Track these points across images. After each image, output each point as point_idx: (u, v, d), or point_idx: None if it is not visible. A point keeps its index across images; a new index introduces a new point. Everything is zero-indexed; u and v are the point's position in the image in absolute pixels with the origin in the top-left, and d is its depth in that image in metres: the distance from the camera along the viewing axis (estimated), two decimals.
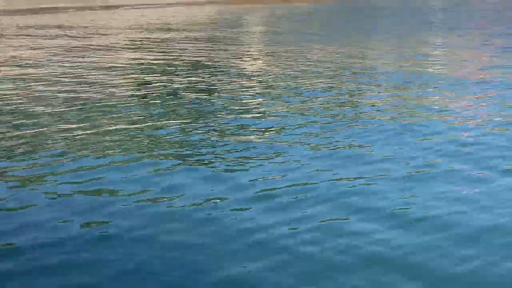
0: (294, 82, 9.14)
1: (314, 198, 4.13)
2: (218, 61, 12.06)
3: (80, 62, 12.07)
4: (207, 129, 6.39)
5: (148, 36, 16.88)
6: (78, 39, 16.29)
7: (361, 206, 3.91)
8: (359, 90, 8.42)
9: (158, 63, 11.88)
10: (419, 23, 20.20)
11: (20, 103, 8.09)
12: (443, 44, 14.66)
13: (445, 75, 9.64)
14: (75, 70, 10.90)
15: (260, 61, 12.36)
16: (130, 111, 7.34)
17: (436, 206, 3.81)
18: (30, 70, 11.00)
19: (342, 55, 12.19)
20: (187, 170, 5.00)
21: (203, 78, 9.85)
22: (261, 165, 5.03)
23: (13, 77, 10.40)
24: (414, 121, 6.41)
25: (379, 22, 21.53)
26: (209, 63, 11.69)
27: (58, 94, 8.80)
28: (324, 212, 3.84)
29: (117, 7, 30.17)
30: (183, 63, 11.90)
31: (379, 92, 8.24)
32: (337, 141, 5.68)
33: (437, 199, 3.93)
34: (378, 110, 7.09)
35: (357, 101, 7.67)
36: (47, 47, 14.44)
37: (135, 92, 9.31)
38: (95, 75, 10.46)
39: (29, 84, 9.53)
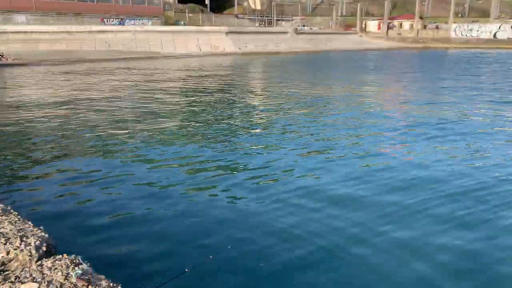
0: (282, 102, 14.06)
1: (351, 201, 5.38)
2: (235, 88, 17.79)
3: (147, 87, 17.98)
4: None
5: (191, 73, 24.86)
6: (147, 75, 23.51)
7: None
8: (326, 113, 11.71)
9: (197, 87, 18.17)
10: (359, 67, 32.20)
11: (112, 114, 11.50)
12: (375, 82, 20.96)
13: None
14: (144, 92, 16.41)
15: (259, 89, 18.81)
16: (179, 116, 10.94)
17: None
18: (116, 93, 16.04)
19: (311, 89, 17.65)
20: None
21: (226, 97, 14.95)
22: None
23: (106, 97, 15.00)
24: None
25: (334, 67, 33.97)
26: (229, 89, 17.27)
27: (135, 106, 12.78)
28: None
29: (172, 57, 40.84)
30: (212, 88, 17.86)
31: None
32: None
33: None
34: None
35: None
36: (125, 80, 20.78)
37: (183, 104, 13.79)
38: (157, 95, 15.42)
39: (117, 102, 13.69)
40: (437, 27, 71.07)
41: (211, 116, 11.52)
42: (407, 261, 4.10)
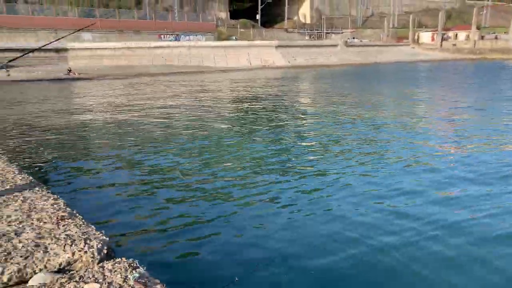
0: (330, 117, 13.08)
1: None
2: (285, 99, 18.45)
3: (198, 96, 19.70)
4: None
5: (242, 86, 25.47)
6: (200, 87, 24.83)
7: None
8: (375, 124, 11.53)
9: (245, 96, 19.62)
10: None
11: (169, 123, 12.25)
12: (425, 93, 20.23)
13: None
14: (195, 100, 18.05)
15: (307, 101, 19.19)
16: (232, 126, 11.26)
17: None
18: (172, 103, 17.35)
19: (361, 100, 17.62)
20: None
21: (275, 107, 15.46)
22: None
23: (162, 106, 16.30)
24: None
25: (385, 79, 33.34)
26: (278, 100, 17.93)
27: (189, 115, 13.72)
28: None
29: (223, 70, 41.95)
30: (262, 98, 18.90)
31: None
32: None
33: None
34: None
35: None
36: (180, 92, 22.09)
37: (231, 111, 14.91)
38: (207, 103, 16.90)
39: (172, 112, 14.75)
40: (496, 37, 67.22)
41: (261, 126, 11.68)
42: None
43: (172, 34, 53.46)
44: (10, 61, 4.40)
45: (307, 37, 71.95)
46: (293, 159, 8.35)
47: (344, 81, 29.92)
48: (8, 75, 30.82)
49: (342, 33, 75.69)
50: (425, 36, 73.79)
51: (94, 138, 10.62)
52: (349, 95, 19.78)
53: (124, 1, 55.75)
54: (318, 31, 74.96)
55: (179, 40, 51.96)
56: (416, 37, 73.76)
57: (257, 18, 69.79)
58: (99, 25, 48.54)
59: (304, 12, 78.54)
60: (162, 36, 52.44)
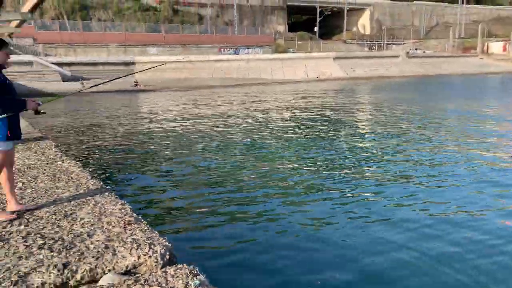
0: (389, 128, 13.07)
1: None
2: (342, 111, 18.32)
3: (256, 107, 20.44)
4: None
5: (298, 98, 25.69)
6: (257, 97, 26.03)
7: None
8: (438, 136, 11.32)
9: (302, 107, 20.06)
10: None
11: (229, 132, 12.78)
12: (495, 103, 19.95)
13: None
14: (253, 111, 18.58)
15: (366, 112, 19.10)
16: (289, 139, 11.45)
17: None
18: (228, 112, 18.40)
19: (427, 110, 17.68)
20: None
21: (332, 119, 15.49)
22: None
23: (223, 115, 17.35)
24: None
25: (448, 91, 31.45)
26: (334, 112, 17.74)
27: (247, 122, 14.66)
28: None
29: (280, 82, 42.51)
30: (318, 110, 19.06)
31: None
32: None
33: None
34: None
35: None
36: (238, 102, 23.15)
37: (288, 121, 15.38)
38: (264, 114, 17.55)
39: (232, 119, 15.73)
40: None
41: (318, 137, 11.57)
42: None
43: (231, 48, 54.95)
44: (114, 79, 4.72)
45: (366, 49, 70.51)
46: (351, 170, 8.16)
47: (405, 93, 28.85)
48: (83, 87, 33.41)
49: (403, 44, 73.24)
50: (496, 46, 69.10)
51: (159, 146, 11.15)
52: (409, 108, 19.01)
53: (187, 17, 58.38)
54: (378, 42, 73.18)
55: (238, 54, 53.25)
56: (485, 47, 69.31)
57: (315, 30, 69.70)
58: (163, 40, 51.19)
59: (364, 23, 77.16)
60: (222, 49, 54.08)
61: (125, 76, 5.91)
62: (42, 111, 3.83)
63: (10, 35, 30.30)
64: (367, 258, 4.47)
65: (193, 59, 46.90)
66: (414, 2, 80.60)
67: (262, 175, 7.89)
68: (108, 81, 5.05)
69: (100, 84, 5.03)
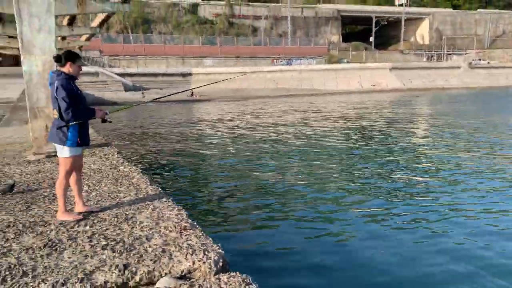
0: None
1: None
2: (397, 124, 17.88)
3: (308, 117, 20.59)
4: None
5: (351, 109, 25.48)
6: (310, 108, 26.11)
7: None
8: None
9: (355, 118, 19.83)
10: None
11: (280, 142, 13.10)
12: None
13: None
14: (305, 121, 18.96)
15: (423, 125, 18.67)
16: (340, 151, 11.29)
17: None
18: (280, 121, 18.86)
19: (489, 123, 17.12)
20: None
21: (386, 132, 14.99)
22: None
23: (275, 124, 17.83)
24: None
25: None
26: (389, 125, 17.43)
27: (299, 132, 14.83)
28: None
29: (333, 93, 42.17)
30: (372, 122, 18.47)
31: None
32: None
33: None
34: None
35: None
36: (290, 112, 23.32)
37: (339, 131, 15.52)
38: (316, 124, 17.87)
39: (284, 128, 16.11)
40: None
41: (371, 149, 11.27)
42: None
43: (284, 59, 55.26)
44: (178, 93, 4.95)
45: (424, 59, 67.71)
46: (405, 184, 7.84)
47: (466, 105, 27.28)
48: (143, 97, 35.19)
49: (465, 54, 69.47)
50: None
51: (214, 154, 11.46)
52: (471, 121, 17.93)
53: (242, 29, 59.68)
54: (437, 52, 70.04)
55: (291, 64, 53.40)
56: None
57: (371, 40, 68.22)
58: (219, 52, 52.66)
59: (422, 33, 74.30)
60: (275, 60, 54.52)
61: (189, 89, 6.13)
62: (108, 120, 4.08)
63: (80, 48, 32.66)
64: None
65: (246, 70, 47.68)
66: (478, 10, 76.40)
67: (316, 184, 7.85)
68: (171, 94, 5.27)
69: (164, 96, 5.29)
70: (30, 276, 2.78)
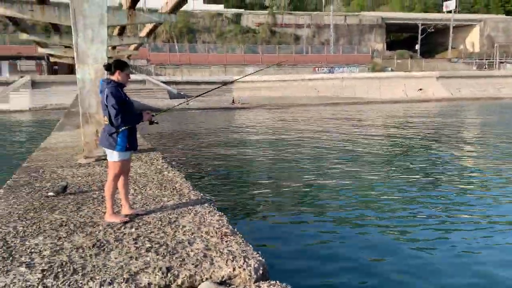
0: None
1: None
2: (443, 136, 16.62)
3: (349, 126, 20.11)
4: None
5: (396, 119, 24.54)
6: (351, 116, 25.05)
7: None
8: None
9: (399, 128, 18.95)
10: None
11: (320, 151, 12.93)
12: None
13: None
14: (346, 129, 18.53)
15: (471, 138, 17.28)
16: (383, 164, 10.77)
17: None
18: (321, 130, 18.64)
19: None
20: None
21: (433, 146, 13.93)
22: None
23: (313, 134, 17.19)
24: None
25: None
26: (436, 138, 16.03)
27: (339, 146, 13.94)
28: None
29: (376, 102, 41.26)
30: (418, 135, 17.42)
31: None
32: None
33: None
34: None
35: None
36: (331, 122, 22.88)
37: (382, 141, 14.87)
38: (357, 133, 17.43)
39: (325, 136, 15.98)
40: None
41: (415, 163, 10.87)
42: None
43: (326, 67, 54.80)
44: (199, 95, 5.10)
45: (474, 67, 64.64)
46: (449, 199, 7.49)
47: None
48: (187, 104, 36.08)
49: None
50: None
51: (255, 161, 11.57)
52: None
53: (284, 37, 59.89)
54: (489, 60, 66.67)
55: (333, 72, 52.85)
56: None
57: (416, 48, 66.15)
58: (260, 60, 53.13)
59: (472, 40, 71.05)
60: (317, 68, 54.19)
61: (216, 88, 6.23)
62: (155, 121, 4.24)
63: (128, 57, 34.10)
64: None
65: (287, 78, 47.74)
66: None
67: (357, 193, 7.76)
68: (206, 92, 5.38)
69: (197, 96, 5.40)
70: (80, 274, 2.92)
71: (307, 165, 10.65)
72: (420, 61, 62.05)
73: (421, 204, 7.21)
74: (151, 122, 4.20)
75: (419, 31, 66.10)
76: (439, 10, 70.78)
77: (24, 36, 19.49)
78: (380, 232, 5.81)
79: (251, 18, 60.02)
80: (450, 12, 65.62)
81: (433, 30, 67.45)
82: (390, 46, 69.60)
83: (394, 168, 10.45)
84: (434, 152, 12.77)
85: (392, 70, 55.75)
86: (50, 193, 4.98)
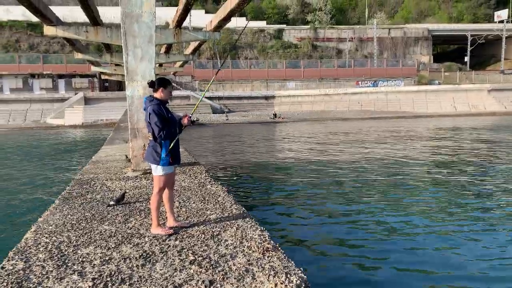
0: None
1: None
2: (499, 155, 15.32)
3: (394, 141, 19.41)
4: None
5: (445, 134, 23.57)
6: (396, 131, 24.58)
7: None
8: None
9: (448, 145, 18.12)
10: None
11: (363, 167, 12.73)
12: None
13: None
14: (391, 145, 18.10)
15: None
16: (431, 184, 10.19)
17: None
18: (364, 145, 18.42)
19: None
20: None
21: (480, 154, 14.21)
22: None
23: (358, 147, 17.27)
24: None
25: None
26: (491, 157, 14.78)
27: (383, 156, 14.33)
28: None
29: (423, 116, 39.96)
30: (465, 146, 17.54)
31: None
32: None
33: None
34: None
35: None
36: (374, 135, 22.01)
37: (431, 155, 14.63)
38: (403, 149, 16.96)
39: (368, 151, 15.63)
40: None
41: (465, 182, 10.33)
42: None
43: (369, 80, 53.85)
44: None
45: None
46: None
47: None
48: (227, 118, 36.76)
49: None
50: None
51: (296, 175, 11.50)
52: None
53: (326, 51, 59.66)
54: None
55: (377, 86, 51.80)
56: None
57: (465, 60, 63.49)
58: (302, 75, 53.18)
59: None
60: (360, 82, 53.38)
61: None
62: (195, 119, 4.30)
63: (174, 73, 35.33)
64: None
65: (329, 92, 47.35)
66: None
67: (401, 210, 7.53)
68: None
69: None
70: (127, 283, 3.03)
71: (350, 180, 10.45)
72: (470, 74, 59.46)
73: (481, 230, 6.82)
74: (192, 122, 4.25)
75: (468, 43, 63.50)
76: (490, 21, 67.75)
77: (79, 55, 20.80)
78: (431, 252, 5.55)
79: (293, 33, 60.41)
80: (502, 22, 62.65)
81: (483, 41, 64.55)
82: (437, 58, 67.32)
83: (441, 188, 9.99)
84: (485, 171, 12.08)
85: (439, 83, 53.79)
86: (111, 202, 5.30)
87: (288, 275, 3.14)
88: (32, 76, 45.47)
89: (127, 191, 6.12)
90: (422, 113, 41.79)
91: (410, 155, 15.25)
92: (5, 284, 3.04)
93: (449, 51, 76.37)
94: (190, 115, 4.25)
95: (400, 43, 61.82)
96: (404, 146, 18.13)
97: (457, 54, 69.75)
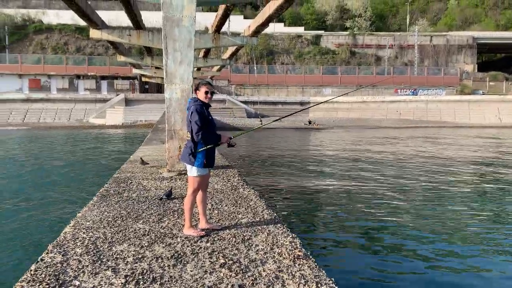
0: None
1: None
2: None
3: (432, 153, 18.61)
4: None
5: (488, 143, 22.60)
6: (436, 142, 22.90)
7: None
8: None
9: (492, 160, 17.88)
10: None
11: (396, 178, 12.48)
12: None
13: None
14: (429, 157, 17.07)
15: None
16: (468, 200, 9.51)
17: None
18: (402, 159, 17.21)
19: None
20: None
21: None
22: None
23: (391, 160, 16.13)
24: None
25: None
26: None
27: (421, 169, 13.53)
28: None
29: (464, 127, 38.31)
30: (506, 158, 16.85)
31: None
32: None
33: None
34: None
35: None
36: (413, 148, 21.21)
37: (473, 170, 13.83)
38: (443, 162, 15.72)
39: (402, 168, 14.23)
40: None
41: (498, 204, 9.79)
42: None
43: (409, 89, 52.40)
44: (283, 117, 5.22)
45: None
46: None
47: None
48: (261, 122, 36.85)
49: None
50: None
51: (330, 182, 11.30)
52: None
53: (364, 58, 58.66)
54: None
55: (417, 94, 50.33)
56: None
57: None
58: (339, 81, 52.54)
59: None
60: (399, 90, 52.06)
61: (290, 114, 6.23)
62: (233, 144, 4.37)
63: (212, 77, 35.91)
64: None
65: (367, 99, 46.49)
66: None
67: (436, 224, 7.23)
68: (279, 119, 5.43)
69: (275, 121, 5.47)
70: (158, 282, 3.07)
71: (384, 190, 10.18)
72: None
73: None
74: (229, 145, 4.35)
75: None
76: None
77: (121, 58, 21.58)
78: (464, 269, 5.28)
79: (331, 39, 59.86)
80: None
81: None
82: (482, 67, 64.54)
83: (483, 204, 9.51)
84: None
85: (483, 93, 51.52)
86: (164, 197, 5.72)
87: (319, 285, 3.08)
88: (78, 77, 47.70)
89: (162, 191, 6.24)
90: (464, 124, 40.19)
91: (451, 167, 14.66)
92: (43, 276, 3.16)
93: (495, 60, 73.02)
94: (231, 137, 4.33)
95: (442, 51, 59.80)
96: (445, 157, 17.45)
97: (504, 63, 66.57)
